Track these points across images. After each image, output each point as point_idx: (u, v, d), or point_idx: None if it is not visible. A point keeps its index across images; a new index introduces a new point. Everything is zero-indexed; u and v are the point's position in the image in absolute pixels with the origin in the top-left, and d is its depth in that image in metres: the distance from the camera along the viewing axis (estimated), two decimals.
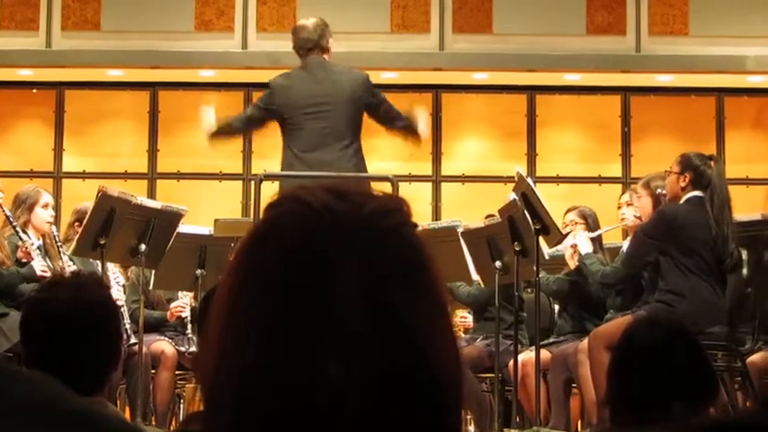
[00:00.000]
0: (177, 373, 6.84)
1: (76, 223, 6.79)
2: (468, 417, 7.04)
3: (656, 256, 5.80)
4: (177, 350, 6.81)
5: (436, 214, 10.12)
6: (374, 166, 10.24)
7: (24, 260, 6.35)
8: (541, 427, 5.90)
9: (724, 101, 10.44)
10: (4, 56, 9.87)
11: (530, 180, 6.25)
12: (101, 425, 0.97)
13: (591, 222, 6.80)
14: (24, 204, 6.59)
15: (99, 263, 6.32)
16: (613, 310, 6.26)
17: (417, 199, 9.78)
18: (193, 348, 6.69)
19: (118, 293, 6.53)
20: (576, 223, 6.76)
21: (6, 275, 6.27)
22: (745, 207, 7.26)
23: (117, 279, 6.88)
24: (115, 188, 6.57)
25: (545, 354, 6.41)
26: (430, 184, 10.41)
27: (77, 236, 6.27)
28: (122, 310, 6.46)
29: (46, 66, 10.03)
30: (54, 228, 6.65)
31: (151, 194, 9.95)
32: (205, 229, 6.70)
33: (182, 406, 7.23)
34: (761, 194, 10.12)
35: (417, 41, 10.04)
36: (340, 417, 0.93)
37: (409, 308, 0.96)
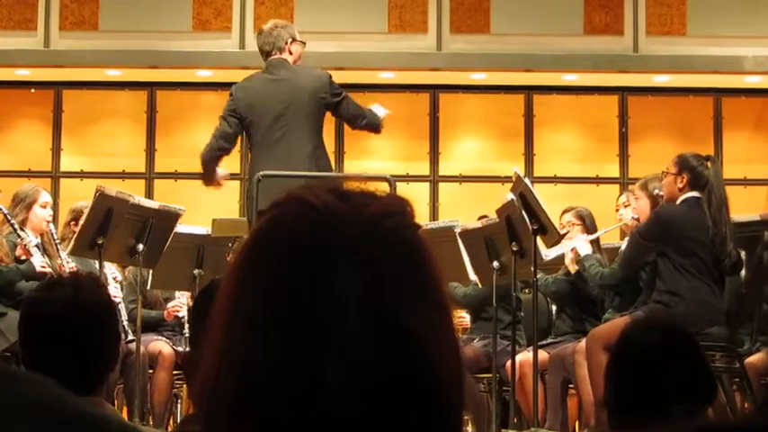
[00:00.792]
0: (174, 372, 6.83)
1: (73, 222, 6.80)
2: (466, 417, 7.03)
3: (654, 258, 5.80)
4: (174, 350, 6.81)
5: (434, 214, 10.11)
6: (372, 165, 10.31)
7: (23, 258, 6.35)
8: (539, 428, 5.90)
9: (722, 101, 10.44)
10: (1, 56, 9.87)
11: (527, 180, 6.25)
12: (100, 426, 0.97)
13: (588, 223, 6.78)
14: (23, 203, 6.59)
15: (96, 262, 6.32)
16: (612, 311, 6.26)
17: (415, 199, 9.71)
18: None
19: (115, 290, 6.53)
20: (573, 224, 6.74)
21: (6, 272, 6.28)
22: (743, 208, 7.27)
23: (114, 276, 6.87)
24: (113, 188, 6.57)
25: (543, 354, 6.41)
26: (427, 184, 10.41)
27: (75, 235, 6.27)
28: (119, 307, 6.46)
29: (44, 65, 10.03)
30: (52, 226, 6.65)
31: (149, 194, 9.95)
32: (203, 229, 6.71)
33: (179, 406, 7.23)
34: (759, 195, 10.12)
35: (415, 42, 10.04)
36: (340, 417, 0.93)
37: (410, 309, 0.96)
